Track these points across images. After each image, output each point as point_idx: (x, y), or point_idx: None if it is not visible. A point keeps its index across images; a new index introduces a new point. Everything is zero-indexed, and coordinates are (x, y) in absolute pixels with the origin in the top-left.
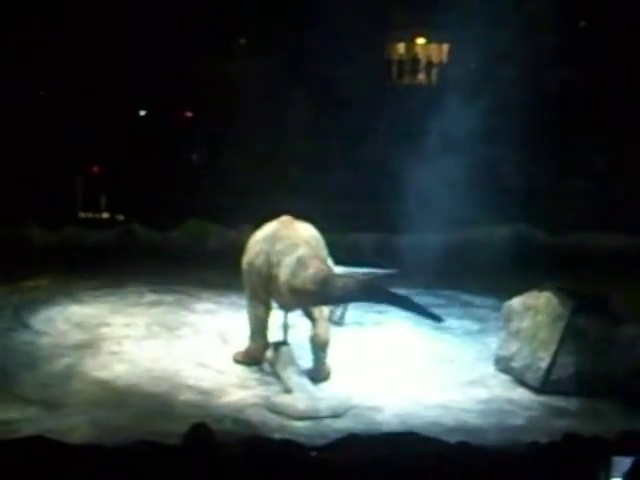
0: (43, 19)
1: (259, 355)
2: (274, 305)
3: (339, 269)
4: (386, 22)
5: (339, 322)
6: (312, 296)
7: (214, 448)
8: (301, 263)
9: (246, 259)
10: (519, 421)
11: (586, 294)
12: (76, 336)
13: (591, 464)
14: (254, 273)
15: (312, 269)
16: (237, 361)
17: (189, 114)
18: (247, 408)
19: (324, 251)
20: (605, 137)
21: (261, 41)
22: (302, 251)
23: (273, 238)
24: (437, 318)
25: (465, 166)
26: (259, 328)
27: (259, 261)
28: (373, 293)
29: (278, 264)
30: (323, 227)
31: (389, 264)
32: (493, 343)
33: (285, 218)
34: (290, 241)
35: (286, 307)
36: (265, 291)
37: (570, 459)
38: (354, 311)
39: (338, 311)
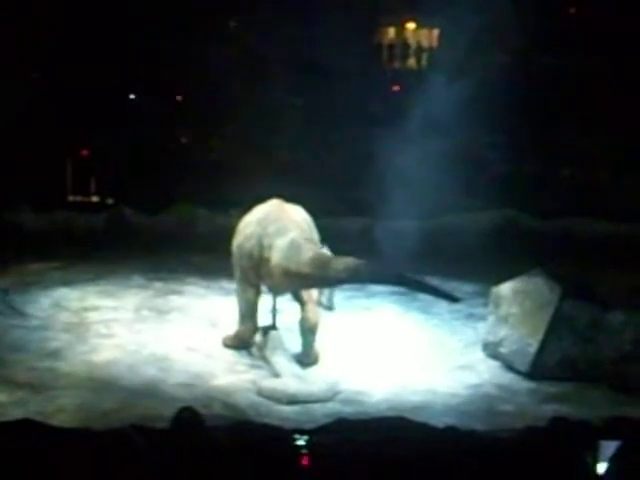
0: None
1: (248, 339)
2: (263, 289)
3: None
4: (376, 6)
5: (329, 306)
6: (308, 279)
7: (201, 432)
8: (295, 246)
9: (236, 242)
10: (507, 406)
11: (574, 280)
12: (65, 319)
13: (578, 448)
14: (244, 256)
15: (308, 252)
16: (226, 345)
17: (179, 97)
18: (236, 392)
19: (315, 234)
20: (592, 123)
21: (252, 24)
22: (294, 234)
23: (264, 221)
24: (453, 299)
25: (452, 151)
26: (248, 312)
27: (250, 244)
28: (380, 276)
29: (270, 247)
30: (311, 211)
31: (373, 250)
32: (482, 328)
33: (275, 201)
34: (282, 224)
35: (276, 290)
36: (255, 274)
37: (557, 443)
38: (342, 295)
39: (325, 295)
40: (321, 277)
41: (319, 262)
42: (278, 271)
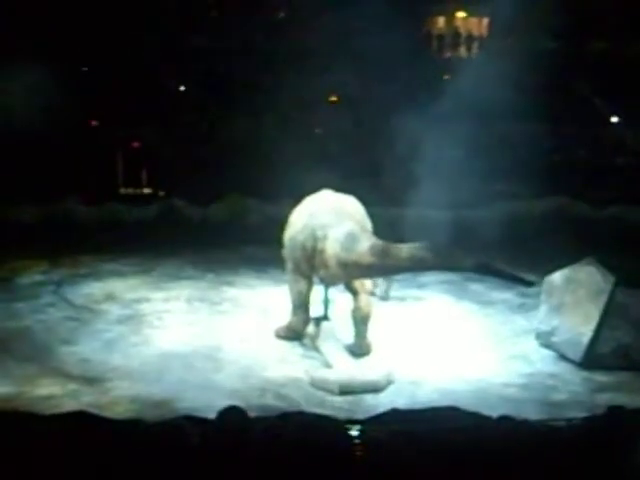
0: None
1: (300, 329)
2: (316, 280)
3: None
4: None
5: (384, 297)
6: (368, 268)
7: (246, 431)
8: (352, 237)
9: (289, 233)
10: (561, 396)
11: (627, 268)
12: (117, 311)
13: (635, 437)
14: (297, 248)
15: (366, 241)
16: (278, 336)
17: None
18: (288, 383)
19: (369, 224)
20: None
21: (299, 15)
22: (350, 224)
23: (317, 212)
24: (528, 283)
25: (505, 140)
26: (301, 302)
27: (303, 235)
28: (448, 262)
29: (324, 238)
30: (362, 201)
31: (429, 239)
32: (534, 317)
33: (326, 192)
34: (335, 215)
35: (330, 281)
36: (309, 266)
37: (613, 432)
38: (394, 286)
39: (382, 286)
40: (382, 266)
41: (380, 251)
42: (334, 262)
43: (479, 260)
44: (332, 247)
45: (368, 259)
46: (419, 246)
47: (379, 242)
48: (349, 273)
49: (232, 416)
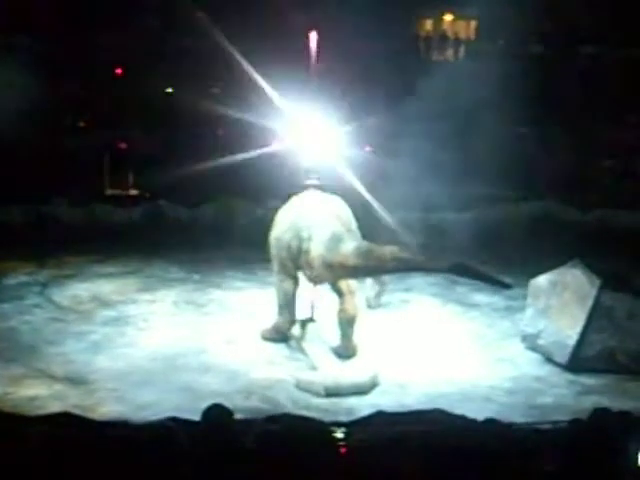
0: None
1: (286, 330)
2: (302, 280)
3: None
4: None
5: (374, 305)
6: (353, 269)
7: (231, 428)
8: (337, 237)
9: (274, 233)
10: (547, 399)
11: (613, 272)
12: (102, 313)
13: (619, 440)
14: (283, 247)
15: (351, 242)
16: (264, 337)
17: (216, 90)
18: (274, 384)
19: (354, 225)
20: (633, 115)
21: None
22: (335, 225)
23: (303, 212)
24: (505, 285)
25: (490, 143)
26: (286, 302)
27: (288, 235)
28: (427, 264)
29: (309, 238)
30: (352, 203)
31: (416, 242)
32: (520, 320)
33: (312, 192)
34: (321, 215)
35: (315, 281)
36: (294, 265)
37: (598, 435)
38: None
39: (372, 294)
40: (366, 268)
41: (364, 252)
42: (319, 262)
43: (456, 262)
44: (317, 248)
45: (352, 260)
46: (402, 248)
47: (364, 243)
48: (334, 274)
49: (216, 413)
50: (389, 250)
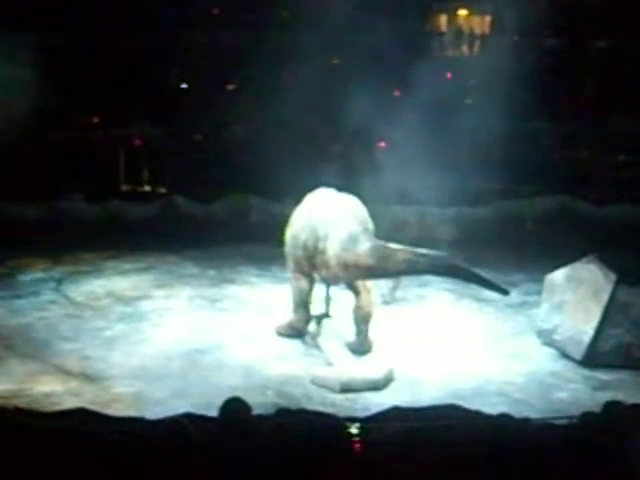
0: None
1: (301, 327)
2: (317, 278)
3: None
4: None
5: (388, 300)
6: (367, 270)
7: (250, 422)
8: (352, 237)
9: (290, 232)
10: (562, 394)
11: (629, 267)
12: (118, 309)
13: (633, 433)
14: (299, 246)
15: (367, 243)
16: (279, 333)
17: (231, 87)
18: (290, 380)
19: (371, 224)
20: None
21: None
22: (351, 225)
23: (319, 211)
24: (505, 291)
25: (508, 138)
26: (302, 300)
27: (304, 234)
28: (442, 268)
29: (325, 238)
30: (366, 199)
31: (433, 237)
32: (535, 316)
33: (326, 190)
34: (337, 214)
35: (330, 280)
36: (310, 264)
37: (612, 428)
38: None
39: (387, 289)
40: (380, 268)
41: (378, 253)
42: (335, 262)
43: (460, 268)
44: (333, 247)
45: (367, 261)
46: (413, 250)
47: (379, 244)
48: (349, 274)
49: (235, 408)
50: (403, 252)
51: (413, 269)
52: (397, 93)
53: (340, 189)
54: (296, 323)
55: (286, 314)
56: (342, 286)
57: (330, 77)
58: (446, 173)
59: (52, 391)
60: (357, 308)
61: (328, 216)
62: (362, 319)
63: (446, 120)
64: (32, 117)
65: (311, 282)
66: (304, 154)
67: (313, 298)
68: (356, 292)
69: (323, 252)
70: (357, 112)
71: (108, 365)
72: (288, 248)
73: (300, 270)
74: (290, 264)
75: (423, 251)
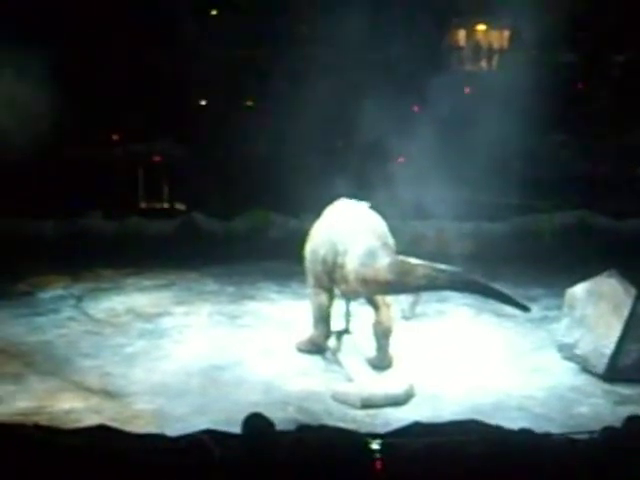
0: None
1: (322, 343)
2: (337, 293)
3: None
4: (446, 9)
5: (409, 316)
6: (386, 285)
7: (271, 438)
8: (371, 253)
9: (309, 247)
10: (583, 408)
11: None
12: (138, 325)
13: None
14: (318, 261)
15: (385, 258)
16: (300, 349)
17: (249, 103)
18: (310, 396)
19: (390, 239)
20: None
21: (320, 28)
22: (370, 240)
23: (338, 226)
24: (525, 308)
25: (526, 152)
26: (322, 316)
27: (324, 250)
28: (461, 284)
29: (344, 253)
30: (385, 214)
31: (451, 252)
32: (556, 330)
33: (345, 203)
34: (356, 229)
35: (350, 295)
36: (329, 279)
37: (633, 442)
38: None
39: (406, 305)
40: (399, 284)
41: (398, 269)
42: (353, 277)
43: (480, 284)
44: (352, 262)
45: (386, 276)
46: (433, 266)
47: (398, 259)
48: (368, 289)
49: (257, 424)
50: (422, 267)
51: (432, 285)
52: (415, 108)
53: (360, 199)
54: (316, 338)
55: (306, 330)
56: (362, 301)
57: (348, 92)
58: (464, 188)
59: (72, 408)
60: (377, 323)
61: (347, 231)
62: (382, 334)
63: (464, 134)
64: (51, 133)
65: (331, 297)
66: (321, 169)
67: (333, 313)
68: (376, 307)
69: (342, 267)
70: (374, 127)
71: (128, 382)
72: (308, 263)
73: (320, 285)
74: (310, 279)
75: (442, 267)
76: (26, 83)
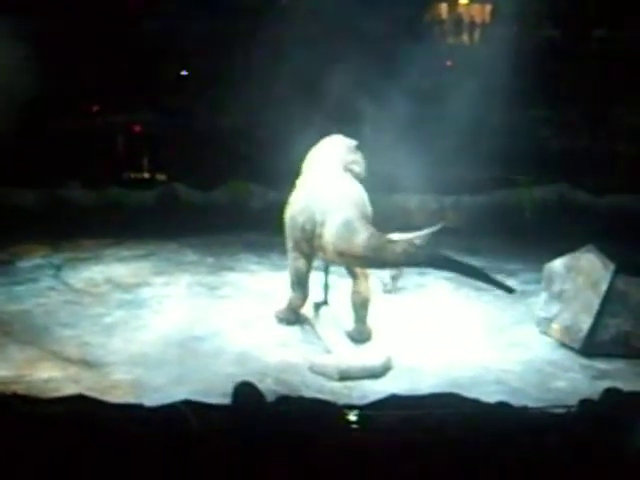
0: None
1: (299, 307)
2: (316, 259)
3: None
4: None
5: (390, 289)
6: (363, 259)
7: (263, 406)
8: (349, 226)
9: (289, 213)
10: (560, 383)
11: (627, 256)
12: (117, 295)
13: (631, 419)
14: (297, 228)
15: (364, 232)
16: (279, 317)
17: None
18: (288, 368)
19: (369, 209)
20: None
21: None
22: (349, 212)
23: (317, 193)
24: (509, 289)
25: (508, 127)
26: (300, 280)
27: (302, 217)
28: (440, 261)
29: (322, 224)
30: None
31: (426, 225)
32: (534, 305)
33: (333, 138)
34: (335, 199)
35: (328, 263)
36: (309, 246)
37: (610, 414)
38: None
39: (387, 278)
40: (376, 259)
41: (375, 244)
42: (331, 248)
43: (461, 263)
44: (329, 233)
45: (363, 252)
46: (410, 242)
47: (375, 235)
48: (346, 261)
49: (247, 392)
50: (400, 244)
51: (410, 261)
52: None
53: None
54: (294, 302)
55: (285, 301)
56: (341, 274)
57: (327, 63)
58: (443, 162)
59: (51, 377)
60: (355, 293)
61: (326, 200)
62: (360, 304)
63: (444, 107)
64: (31, 104)
65: (309, 262)
66: (299, 140)
67: (311, 278)
68: (354, 277)
69: (320, 237)
70: (349, 96)
71: (107, 352)
72: (287, 229)
73: (299, 249)
74: (289, 243)
75: (421, 242)
76: (3, 53)
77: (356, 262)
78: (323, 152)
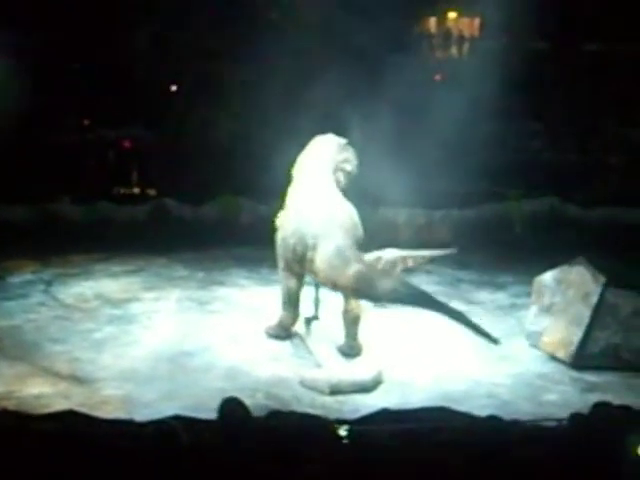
0: None
1: (290, 325)
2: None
3: (392, 251)
4: None
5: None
6: (352, 292)
7: (248, 422)
8: (341, 255)
9: (280, 234)
10: (551, 396)
11: (617, 269)
12: (107, 311)
13: (620, 433)
14: (289, 250)
15: (355, 265)
16: (269, 334)
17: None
18: (279, 382)
19: (360, 231)
20: (637, 111)
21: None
22: (340, 240)
23: (308, 215)
24: (494, 341)
25: (497, 140)
26: (291, 299)
27: (294, 240)
28: (426, 303)
29: (314, 247)
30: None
31: (420, 240)
32: (524, 317)
33: (323, 138)
34: (327, 223)
35: (319, 284)
36: (300, 266)
37: (599, 428)
38: None
39: None
40: (365, 294)
41: (364, 279)
42: (322, 275)
43: (447, 307)
44: (321, 260)
45: (353, 283)
46: (401, 279)
47: (366, 268)
48: (335, 289)
49: (233, 408)
50: (391, 282)
51: (397, 300)
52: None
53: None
54: (284, 320)
55: (276, 315)
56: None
57: (315, 77)
58: (432, 176)
59: (41, 393)
60: (346, 312)
61: (317, 223)
62: (351, 322)
63: (432, 121)
64: (20, 118)
65: (300, 282)
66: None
67: (302, 297)
68: (345, 295)
69: (312, 262)
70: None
71: (97, 367)
72: (278, 248)
73: (290, 269)
74: (280, 264)
75: (434, 253)
76: None
77: (345, 292)
78: (314, 154)
